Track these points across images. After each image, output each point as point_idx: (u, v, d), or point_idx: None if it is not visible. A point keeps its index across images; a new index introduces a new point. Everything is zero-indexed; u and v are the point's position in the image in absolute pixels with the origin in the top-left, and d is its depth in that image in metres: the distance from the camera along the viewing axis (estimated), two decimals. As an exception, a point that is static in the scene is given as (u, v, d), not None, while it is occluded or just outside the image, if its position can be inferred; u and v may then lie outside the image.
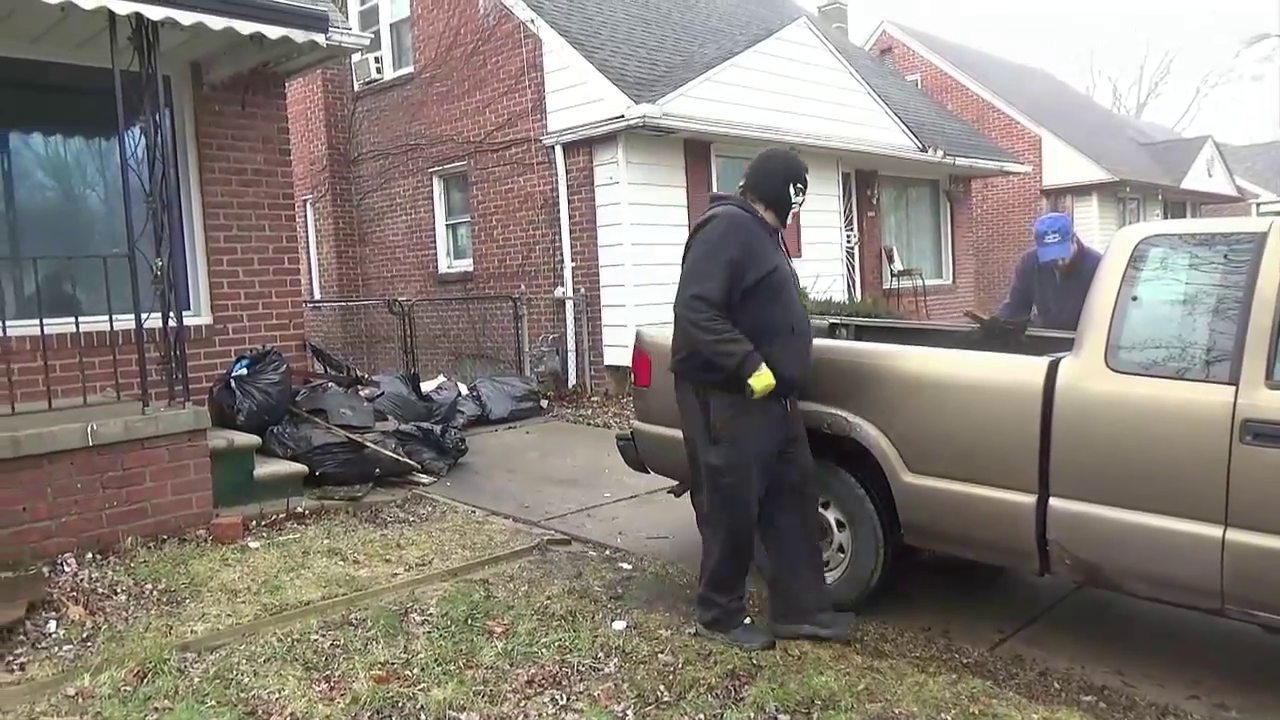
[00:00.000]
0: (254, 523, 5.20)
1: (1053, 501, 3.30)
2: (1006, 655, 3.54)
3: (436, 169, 11.97)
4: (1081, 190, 18.64)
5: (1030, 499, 3.34)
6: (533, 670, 3.32)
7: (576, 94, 9.97)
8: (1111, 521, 3.17)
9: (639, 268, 9.76)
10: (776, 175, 3.63)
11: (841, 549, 3.90)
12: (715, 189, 10.65)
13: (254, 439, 5.72)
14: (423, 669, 3.33)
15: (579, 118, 9.94)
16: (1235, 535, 2.93)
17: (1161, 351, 3.22)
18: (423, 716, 2.99)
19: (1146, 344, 3.24)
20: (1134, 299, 3.29)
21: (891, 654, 3.53)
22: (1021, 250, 6.17)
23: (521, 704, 3.07)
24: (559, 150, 10.21)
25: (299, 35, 5.42)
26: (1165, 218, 20.92)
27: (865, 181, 13.34)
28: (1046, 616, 3.97)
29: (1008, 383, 3.40)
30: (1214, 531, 2.97)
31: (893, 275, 13.93)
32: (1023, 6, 63.36)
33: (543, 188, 10.53)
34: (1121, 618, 3.92)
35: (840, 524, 3.89)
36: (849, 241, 13.08)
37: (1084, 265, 4.82)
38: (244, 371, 6.03)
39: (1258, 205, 25.99)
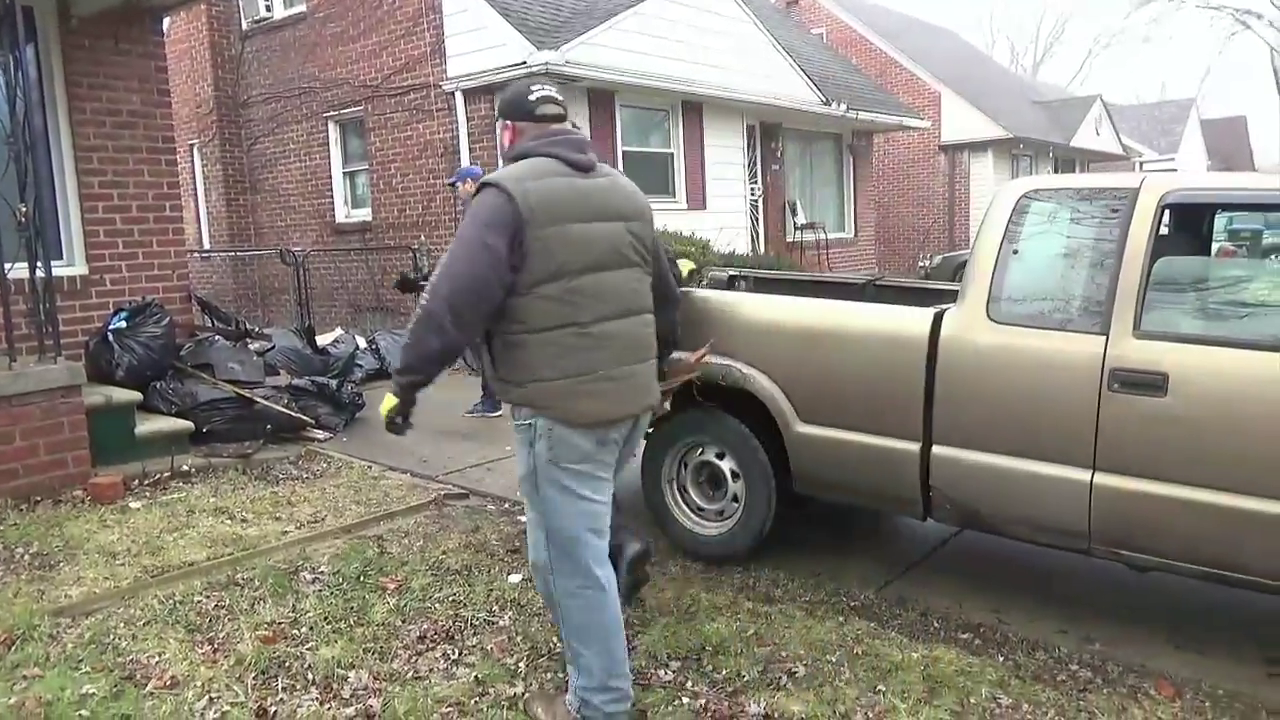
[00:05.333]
0: (136, 482, 4.98)
1: (935, 449, 3.41)
2: (891, 597, 3.67)
3: (332, 114, 11.53)
4: (978, 146, 19.15)
5: (915, 446, 3.45)
6: (425, 626, 3.29)
7: (477, 38, 9.69)
8: (990, 467, 3.30)
9: (543, 219, 9.60)
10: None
11: (735, 499, 3.96)
12: (620, 139, 10.57)
13: (135, 395, 5.48)
14: (311, 628, 3.26)
15: (480, 63, 9.67)
16: (1102, 479, 3.08)
17: (1040, 304, 3.33)
18: (310, 675, 2.94)
19: (1026, 296, 3.35)
20: (1015, 252, 3.38)
21: (782, 599, 3.61)
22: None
23: (412, 660, 3.05)
24: (459, 97, 9.93)
25: (172, -34, 5.09)
26: (1056, 174, 21.70)
27: (770, 134, 13.40)
28: (931, 560, 4.13)
29: (894, 333, 3.48)
30: (1083, 475, 3.12)
31: (796, 228, 14.10)
32: (927, -37, 64.28)
33: (444, 135, 10.25)
34: (1001, 560, 4.09)
35: (735, 474, 3.94)
36: (753, 194, 13.16)
37: None
38: (122, 324, 5.74)
39: (1140, 163, 27.21)
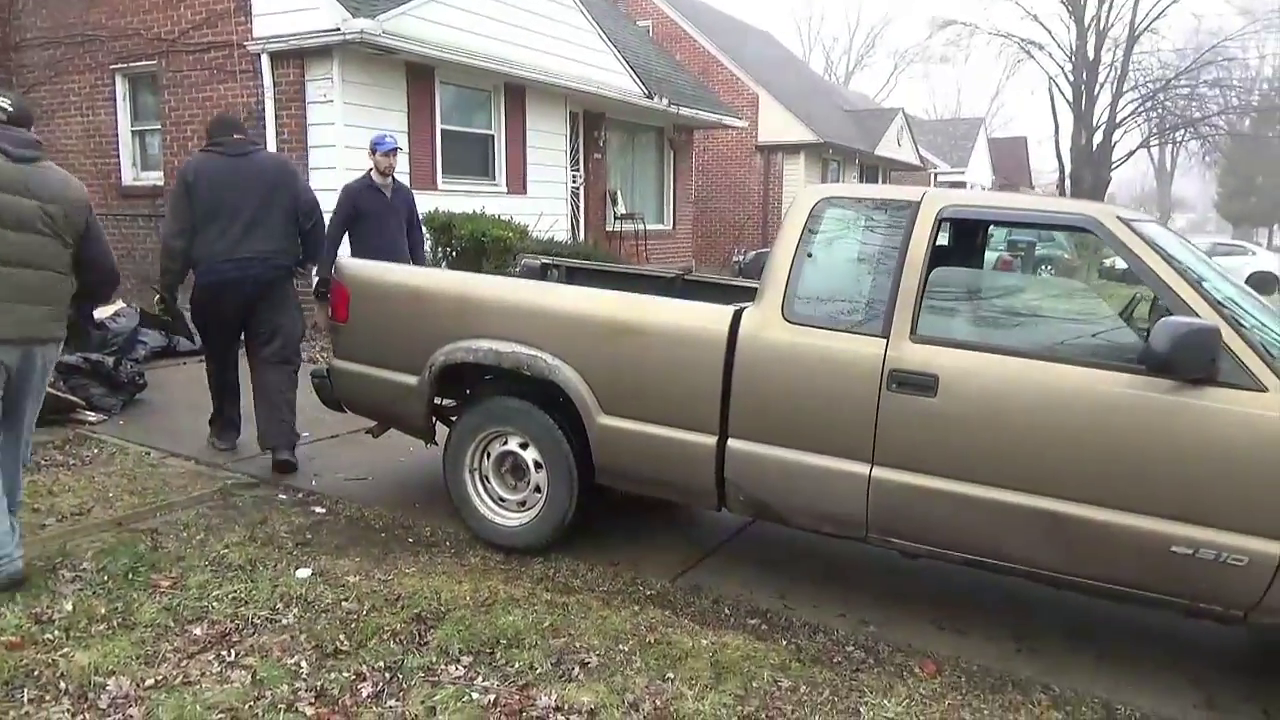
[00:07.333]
0: None
1: (730, 443, 3.52)
2: (686, 586, 3.77)
3: (121, 67, 10.58)
4: (791, 149, 19.99)
5: (711, 440, 3.55)
6: (201, 626, 3.08)
7: (288, -1, 9.15)
8: (780, 461, 3.44)
9: (354, 194, 9.22)
10: None
11: (538, 489, 3.94)
12: (439, 117, 10.29)
13: None
14: (67, 631, 2.99)
15: (290, 25, 9.14)
16: (879, 472, 3.28)
17: (831, 306, 3.49)
18: (62, 684, 2.69)
19: (818, 298, 3.50)
20: (810, 255, 3.54)
21: (580, 590, 3.64)
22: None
23: (182, 664, 2.85)
24: (266, 59, 9.35)
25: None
26: (861, 179, 22.98)
27: (593, 123, 13.44)
28: (724, 549, 4.27)
29: (695, 329, 3.56)
30: (863, 469, 3.31)
31: (616, 218, 14.23)
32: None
33: (247, 99, 9.61)
34: (789, 548, 4.29)
35: (538, 465, 3.92)
36: (575, 182, 13.17)
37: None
38: None
39: (935, 174, 29.28)
